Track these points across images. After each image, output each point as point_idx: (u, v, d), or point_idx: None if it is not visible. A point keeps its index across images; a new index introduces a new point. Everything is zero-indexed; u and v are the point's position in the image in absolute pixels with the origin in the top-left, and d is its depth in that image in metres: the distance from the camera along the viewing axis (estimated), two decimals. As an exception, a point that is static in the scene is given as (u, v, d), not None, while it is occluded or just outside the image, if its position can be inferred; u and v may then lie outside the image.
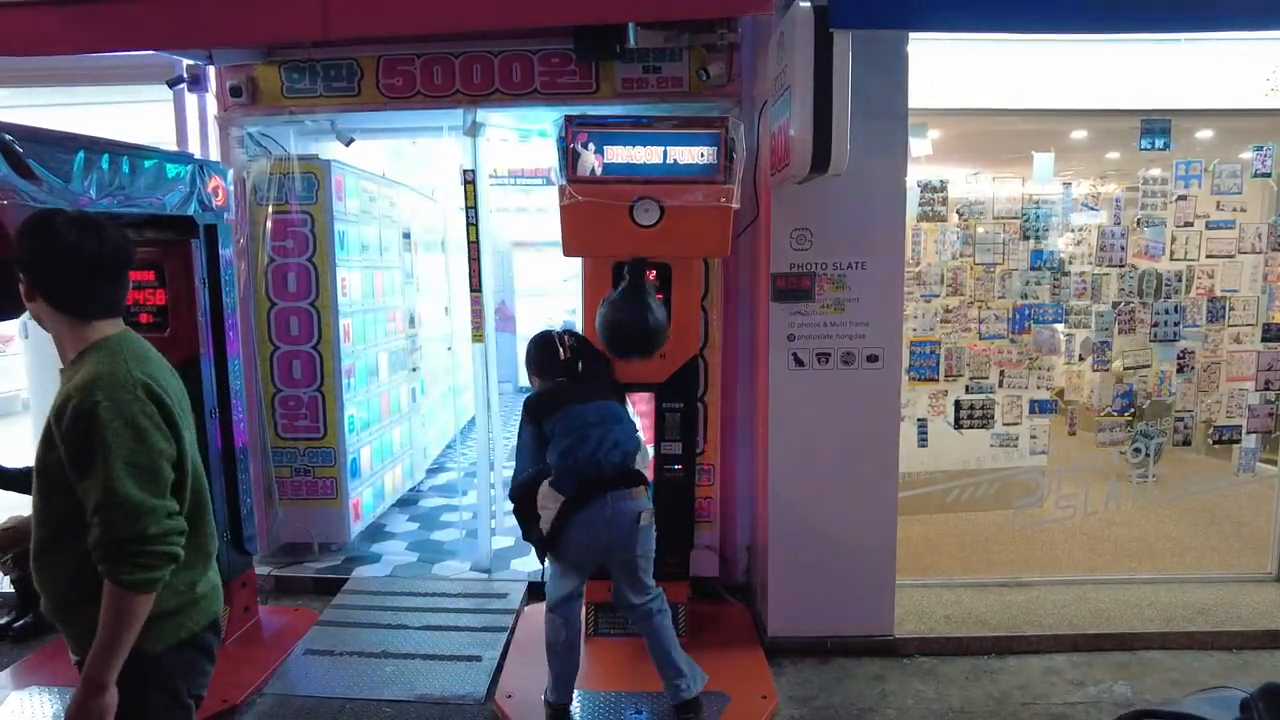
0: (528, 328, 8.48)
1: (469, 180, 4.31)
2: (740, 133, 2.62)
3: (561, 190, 2.57)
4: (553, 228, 7.85)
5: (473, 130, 4.27)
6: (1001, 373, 4.44)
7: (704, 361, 3.84)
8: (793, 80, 2.91)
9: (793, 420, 3.70)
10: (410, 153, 6.65)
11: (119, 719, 1.67)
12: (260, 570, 4.36)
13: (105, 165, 2.95)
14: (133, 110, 4.64)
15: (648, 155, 2.57)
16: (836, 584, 3.77)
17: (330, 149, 4.83)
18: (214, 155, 4.37)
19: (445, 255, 7.10)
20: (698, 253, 3.25)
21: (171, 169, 3.35)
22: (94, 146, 2.91)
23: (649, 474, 3.16)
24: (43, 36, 3.09)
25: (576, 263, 3.64)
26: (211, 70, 4.37)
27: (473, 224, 4.34)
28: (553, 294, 9.46)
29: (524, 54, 4.15)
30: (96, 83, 4.56)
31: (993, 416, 4.40)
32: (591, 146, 2.54)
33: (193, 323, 3.55)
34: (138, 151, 3.17)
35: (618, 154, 2.56)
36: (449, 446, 7.40)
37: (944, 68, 3.85)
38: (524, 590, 4.35)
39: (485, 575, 4.56)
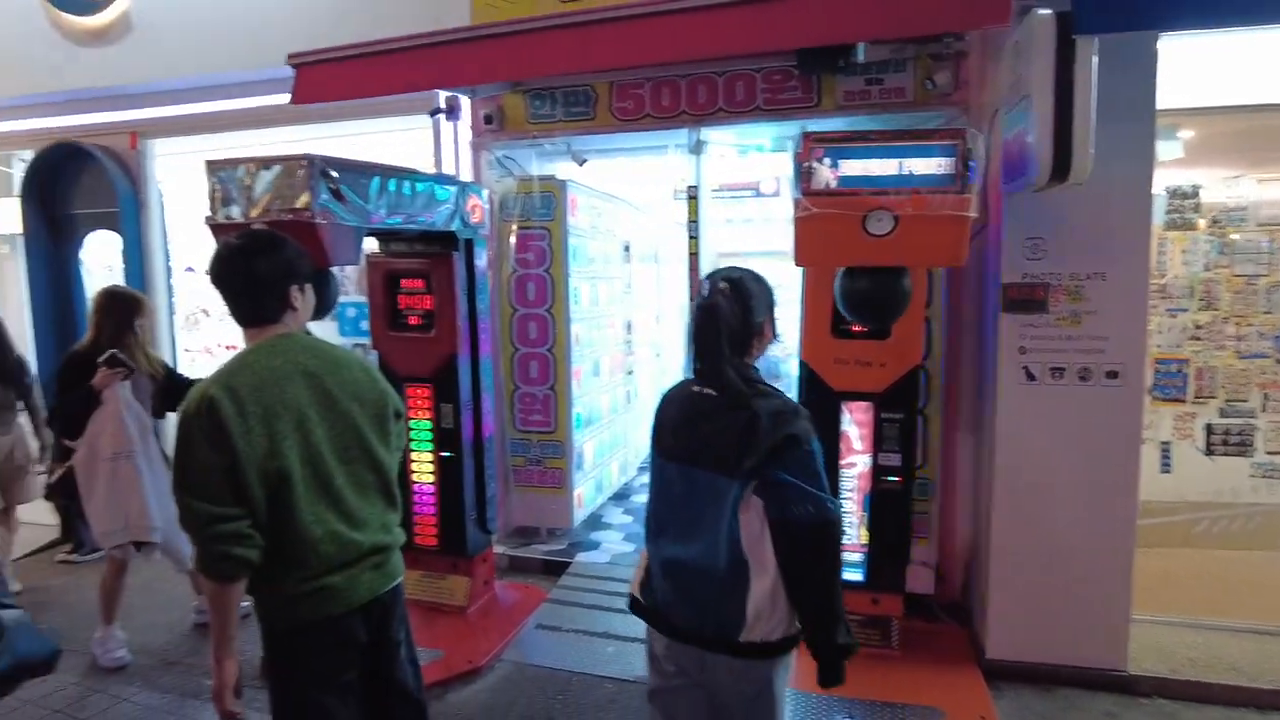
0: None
1: (692, 195, 4.55)
2: (979, 143, 2.63)
3: (796, 203, 2.71)
4: (757, 238, 8.00)
5: (697, 148, 4.51)
6: (1266, 395, 4.02)
7: (925, 373, 3.80)
8: (1031, 88, 2.85)
9: (1023, 437, 3.57)
10: (625, 168, 7.01)
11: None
12: (495, 549, 4.82)
13: (393, 188, 3.45)
14: (387, 138, 5.23)
15: (883, 167, 2.64)
16: (1063, 611, 3.59)
17: (563, 168, 5.25)
18: (465, 176, 4.93)
19: (658, 266, 7.45)
20: (932, 262, 3.25)
21: (441, 191, 3.84)
22: (385, 173, 3.41)
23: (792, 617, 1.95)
24: (365, 82, 3.69)
25: (779, 272, 3.74)
26: (465, 100, 4.93)
27: (693, 237, 4.58)
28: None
29: (747, 72, 4.32)
30: (371, 116, 5.19)
31: (1252, 443, 4.00)
32: (827, 160, 2.66)
33: (453, 326, 4.03)
34: (416, 176, 3.66)
35: (853, 167, 2.66)
36: (655, 448, 7.73)
37: (1199, 62, 3.57)
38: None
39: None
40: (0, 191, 6.68)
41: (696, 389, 1.99)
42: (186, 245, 6.07)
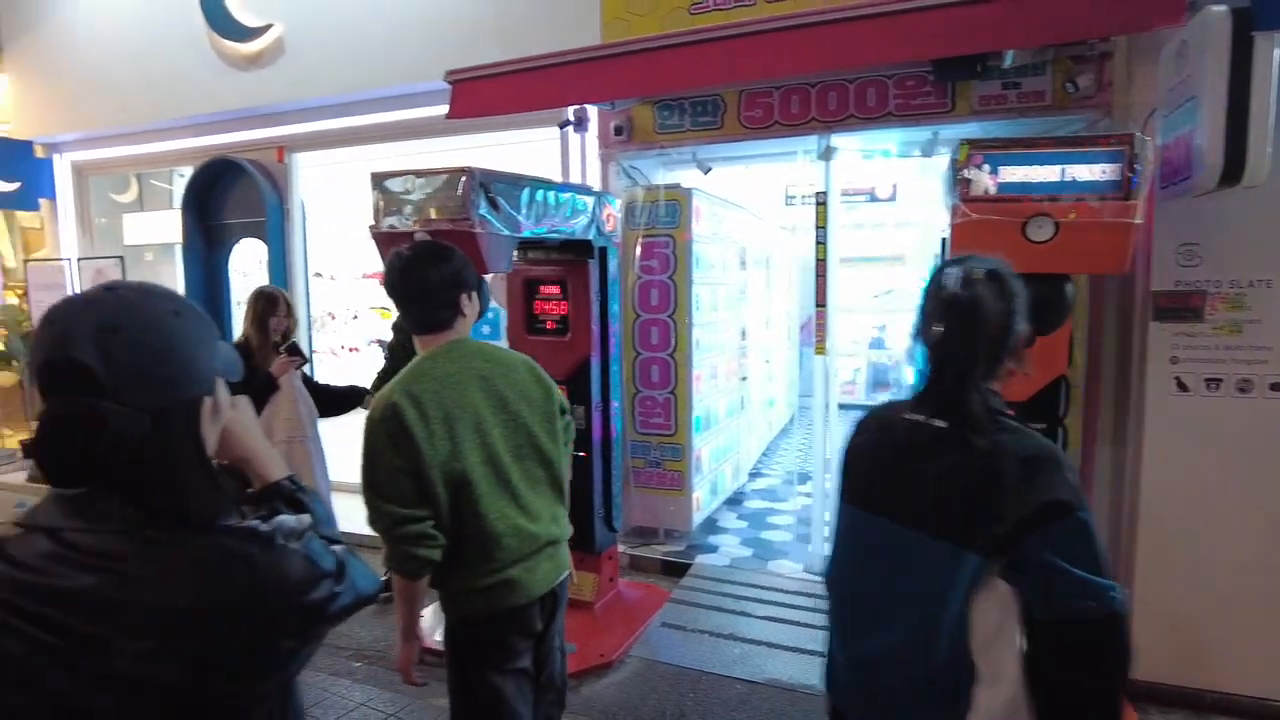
0: (839, 342, 8.54)
1: (820, 201, 4.56)
2: (1146, 149, 2.56)
3: (954, 209, 2.70)
4: (871, 243, 7.86)
5: (826, 154, 4.52)
6: None
7: (1066, 382, 3.70)
8: (1200, 89, 2.77)
9: (1173, 450, 3.44)
10: (737, 173, 7.04)
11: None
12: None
13: (540, 199, 3.58)
14: (514, 149, 5.37)
15: (1044, 174, 2.61)
16: (1217, 635, 3.43)
17: (684, 175, 5.33)
18: (593, 186, 5.06)
19: (768, 271, 7.46)
20: (1093, 269, 3.18)
21: (580, 201, 3.97)
22: (533, 184, 3.55)
23: None
24: (519, 97, 3.87)
25: (891, 278, 3.69)
26: (592, 112, 5.06)
27: (821, 243, 4.58)
28: (864, 310, 9.41)
29: (880, 79, 4.30)
30: (501, 129, 5.38)
31: None
32: (986, 167, 2.64)
33: (587, 330, 4.16)
34: (559, 187, 3.79)
35: (1013, 173, 2.64)
36: (764, 454, 7.75)
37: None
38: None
39: (820, 578, 4.75)
40: (160, 205, 7.28)
41: (915, 417, 1.47)
42: (317, 252, 6.46)
